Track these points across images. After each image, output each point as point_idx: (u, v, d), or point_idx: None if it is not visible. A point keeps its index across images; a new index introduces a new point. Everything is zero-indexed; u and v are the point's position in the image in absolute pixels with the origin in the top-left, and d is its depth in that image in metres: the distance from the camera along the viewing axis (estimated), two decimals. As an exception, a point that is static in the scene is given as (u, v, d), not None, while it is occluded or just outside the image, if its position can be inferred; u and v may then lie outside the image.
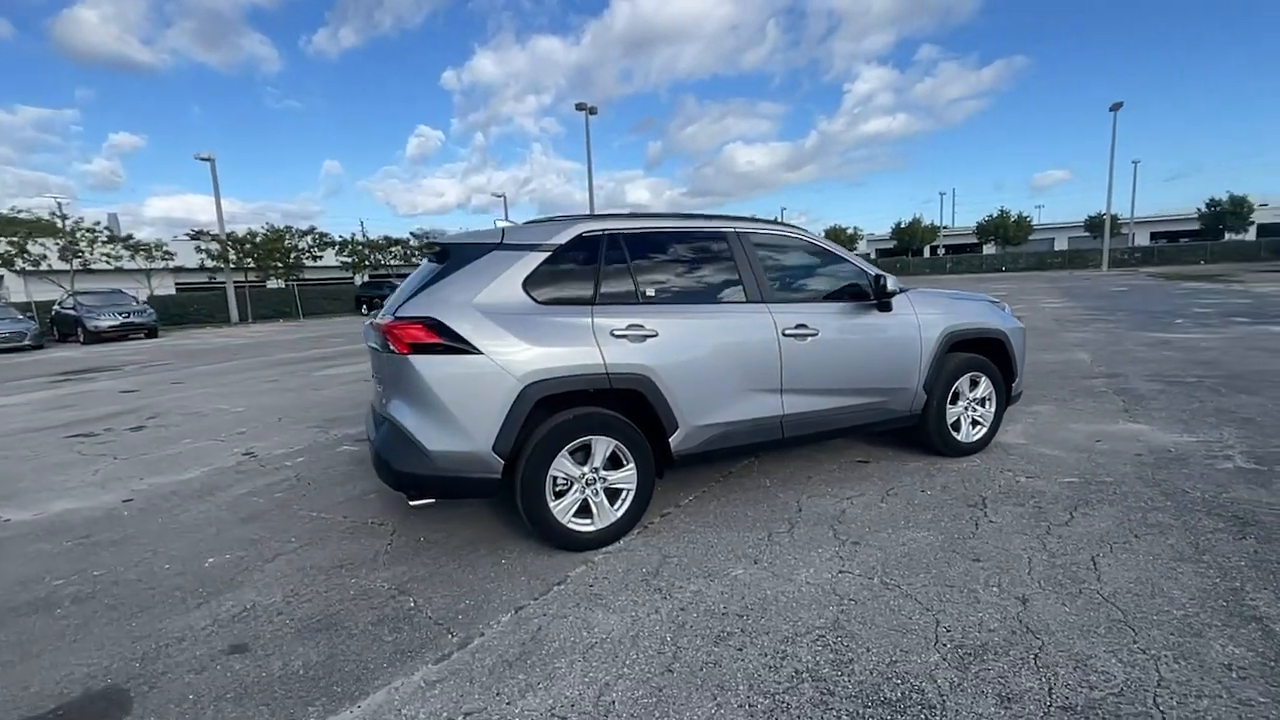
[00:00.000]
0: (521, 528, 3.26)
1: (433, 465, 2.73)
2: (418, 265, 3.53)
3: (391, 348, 2.72)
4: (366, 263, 33.87)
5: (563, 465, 2.89)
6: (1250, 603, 2.31)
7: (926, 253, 63.56)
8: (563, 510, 2.91)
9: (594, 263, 3.08)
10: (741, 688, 1.97)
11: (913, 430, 4.03)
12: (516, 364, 2.75)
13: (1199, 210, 51.10)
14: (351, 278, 40.42)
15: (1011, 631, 2.19)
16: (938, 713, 1.82)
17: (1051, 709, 1.81)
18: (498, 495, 2.91)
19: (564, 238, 3.04)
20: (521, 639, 2.29)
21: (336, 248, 33.23)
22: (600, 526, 2.98)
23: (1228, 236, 49.93)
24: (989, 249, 61.13)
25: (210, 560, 3.08)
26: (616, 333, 2.96)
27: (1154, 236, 57.62)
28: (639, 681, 2.02)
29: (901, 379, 3.77)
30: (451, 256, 2.93)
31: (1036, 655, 2.05)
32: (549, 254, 2.99)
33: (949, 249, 61.44)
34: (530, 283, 2.92)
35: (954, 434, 4.03)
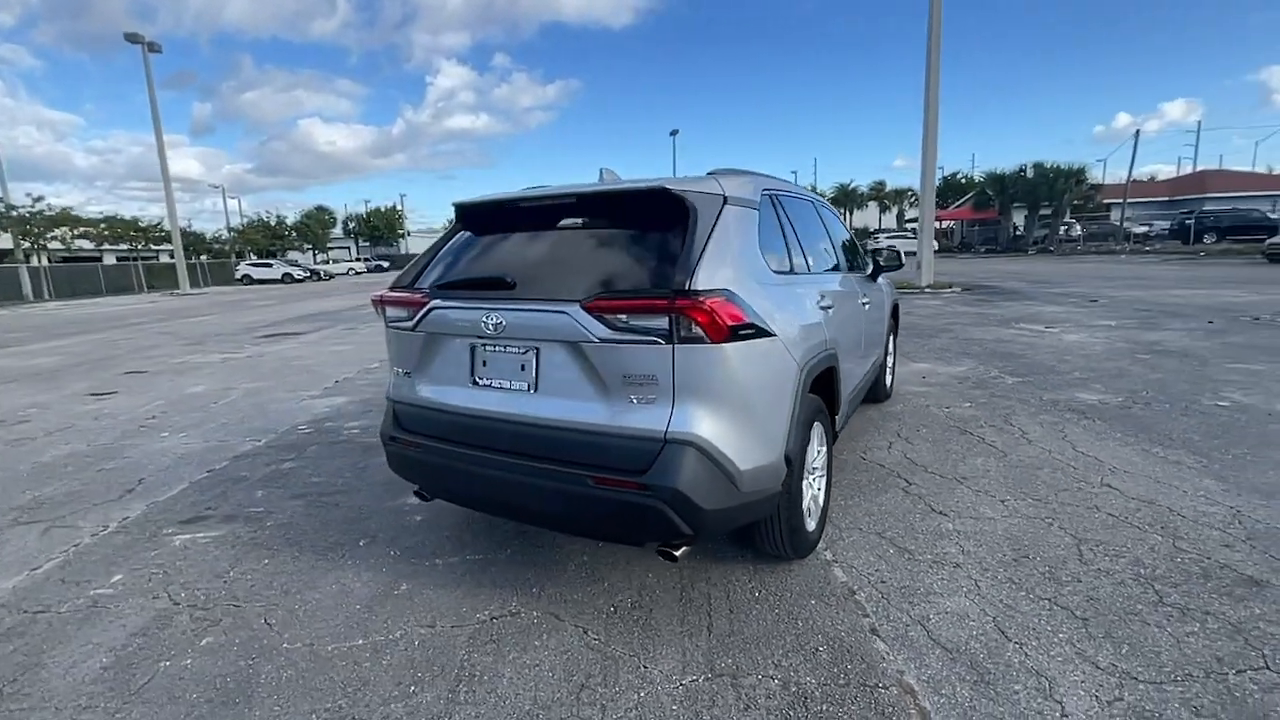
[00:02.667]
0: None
1: (741, 492, 1.97)
2: None
3: (702, 335, 1.82)
4: None
5: (808, 461, 2.45)
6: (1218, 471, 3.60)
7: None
8: (805, 512, 2.48)
9: (778, 225, 2.64)
10: (1151, 614, 2.14)
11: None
12: (795, 345, 2.21)
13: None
14: None
15: (1196, 511, 2.83)
16: (1267, 588, 2.34)
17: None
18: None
19: (758, 194, 2.52)
20: (946, 665, 1.95)
21: None
22: (818, 523, 2.65)
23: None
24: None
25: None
26: (821, 305, 2.64)
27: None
28: (1093, 638, 1.99)
29: (882, 340, 4.35)
30: (695, 212, 2.08)
31: (1246, 527, 2.69)
32: (759, 213, 2.44)
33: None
34: (760, 247, 2.35)
35: (885, 385, 4.86)
